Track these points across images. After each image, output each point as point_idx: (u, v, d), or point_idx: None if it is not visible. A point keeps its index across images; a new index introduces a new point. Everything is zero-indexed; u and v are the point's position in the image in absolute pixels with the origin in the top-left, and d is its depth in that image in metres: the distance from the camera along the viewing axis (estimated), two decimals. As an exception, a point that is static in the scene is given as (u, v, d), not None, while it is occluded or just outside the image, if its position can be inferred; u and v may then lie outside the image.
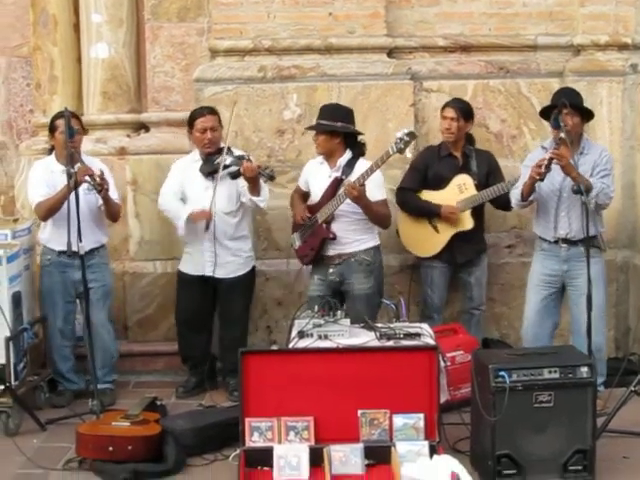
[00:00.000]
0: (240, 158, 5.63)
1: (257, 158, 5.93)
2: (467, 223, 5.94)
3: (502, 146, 6.48)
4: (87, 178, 5.34)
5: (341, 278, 5.71)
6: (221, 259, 5.81)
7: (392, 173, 6.06)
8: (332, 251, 5.68)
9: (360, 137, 5.76)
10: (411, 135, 5.35)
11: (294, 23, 6.38)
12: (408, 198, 6.01)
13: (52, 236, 5.73)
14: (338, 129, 5.62)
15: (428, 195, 5.98)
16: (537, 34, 6.53)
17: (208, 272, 5.83)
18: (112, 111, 6.65)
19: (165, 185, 5.96)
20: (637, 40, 6.37)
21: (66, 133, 5.42)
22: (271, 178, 5.62)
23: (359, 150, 5.73)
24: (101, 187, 5.39)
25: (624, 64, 6.43)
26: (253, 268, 6.03)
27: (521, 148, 6.28)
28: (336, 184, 5.60)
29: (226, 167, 5.65)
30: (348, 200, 5.44)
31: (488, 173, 6.03)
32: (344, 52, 6.41)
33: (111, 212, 5.78)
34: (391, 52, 6.48)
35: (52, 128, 5.74)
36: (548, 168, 5.18)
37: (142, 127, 6.77)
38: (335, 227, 5.62)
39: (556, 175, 5.31)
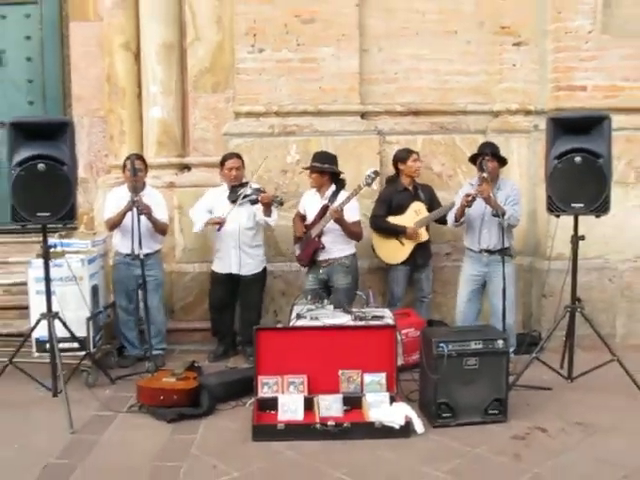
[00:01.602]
0: (258, 190, 5.70)
1: (268, 190, 5.94)
2: (424, 236, 5.99)
3: (442, 182, 6.49)
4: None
5: (328, 276, 5.75)
6: (243, 261, 5.82)
7: (366, 203, 6.06)
8: (322, 257, 5.73)
9: (342, 175, 5.80)
10: (376, 173, 5.55)
11: (294, 94, 6.39)
12: (381, 223, 6.00)
13: (121, 243, 5.75)
14: (326, 169, 5.70)
15: (394, 219, 5.98)
16: (467, 103, 6.55)
17: (234, 270, 5.84)
18: (164, 156, 6.65)
19: (198, 203, 5.98)
20: (538, 108, 6.40)
21: (131, 171, 5.50)
22: (281, 204, 5.71)
23: (341, 184, 5.78)
24: (141, 211, 5.43)
25: (529, 125, 6.45)
26: (265, 268, 6.02)
27: (456, 184, 6.29)
28: (325, 209, 5.64)
29: (247, 196, 5.68)
30: (333, 221, 5.54)
31: (431, 200, 6.09)
32: (330, 115, 6.41)
33: (156, 228, 5.76)
34: (363, 115, 6.50)
35: (123, 167, 5.78)
36: (474, 199, 5.30)
37: (186, 168, 6.77)
38: (324, 239, 5.67)
39: (481, 204, 5.39)
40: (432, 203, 6.07)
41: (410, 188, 6.06)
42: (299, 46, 6.35)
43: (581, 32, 6.15)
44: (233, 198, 5.77)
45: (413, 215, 5.98)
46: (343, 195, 5.63)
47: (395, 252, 6.01)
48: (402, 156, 6.06)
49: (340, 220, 5.53)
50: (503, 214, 5.30)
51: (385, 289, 6.28)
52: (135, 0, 6.59)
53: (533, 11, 6.40)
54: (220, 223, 5.75)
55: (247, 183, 5.82)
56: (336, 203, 5.57)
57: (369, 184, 5.55)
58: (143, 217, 5.48)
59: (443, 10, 6.47)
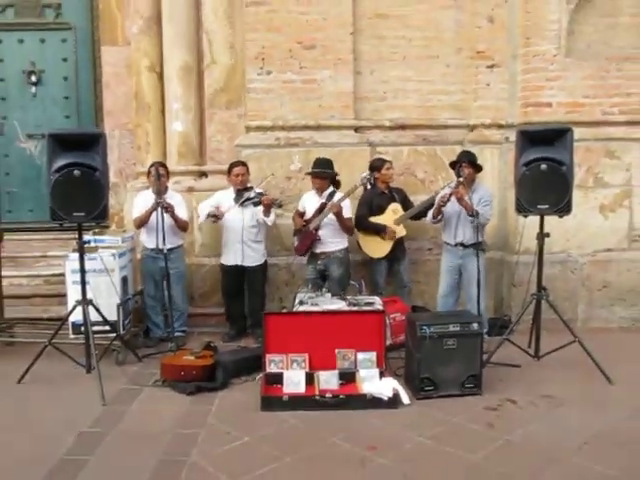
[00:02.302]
0: (260, 194, 5.71)
1: (274, 194, 5.94)
2: (403, 232, 5.97)
3: (425, 187, 6.46)
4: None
5: (324, 267, 5.78)
6: (247, 254, 5.84)
7: (353, 203, 6.03)
8: (319, 249, 5.76)
9: (337, 177, 5.84)
10: (371, 175, 5.67)
11: (297, 111, 6.37)
12: (364, 222, 5.96)
13: (147, 239, 5.76)
14: (326, 175, 5.76)
15: (375, 219, 5.96)
16: (447, 118, 6.53)
17: (239, 262, 5.85)
18: (184, 164, 6.61)
19: (207, 200, 5.97)
20: (509, 122, 6.37)
21: (155, 176, 5.52)
22: (280, 206, 5.77)
23: (336, 185, 5.82)
24: (166, 210, 5.46)
25: (500, 137, 6.43)
26: (266, 261, 6.02)
27: (437, 188, 6.24)
28: (322, 206, 5.69)
29: (250, 199, 5.70)
30: (329, 215, 5.59)
31: (404, 201, 6.08)
32: (328, 129, 6.39)
33: (178, 226, 5.78)
34: (357, 129, 6.48)
35: (148, 173, 5.76)
36: (448, 199, 5.40)
37: (203, 174, 6.74)
38: (320, 232, 5.70)
39: (457, 204, 5.41)
40: (406, 203, 6.07)
41: (386, 191, 6.05)
42: (301, 69, 6.33)
43: (547, 55, 6.12)
44: (238, 200, 5.76)
45: (391, 214, 5.96)
46: (337, 195, 5.69)
47: (378, 248, 5.97)
48: (377, 165, 6.03)
49: (339, 214, 5.57)
50: (477, 214, 5.34)
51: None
52: (158, 27, 6.58)
53: (505, 38, 6.38)
54: (217, 217, 5.78)
55: (251, 188, 5.81)
56: (336, 198, 5.64)
57: (364, 185, 5.64)
58: (166, 215, 5.47)
59: (426, 37, 6.45)
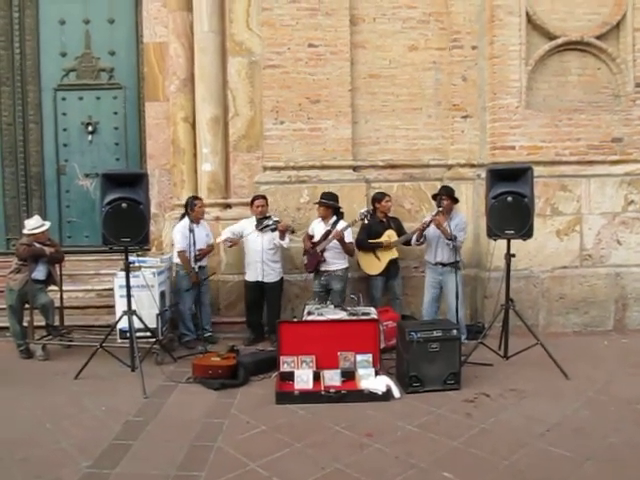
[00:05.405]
0: (276, 221, 5.73)
1: (285, 221, 5.94)
2: (396, 254, 5.95)
3: (411, 216, 6.45)
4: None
5: (327, 282, 5.76)
6: (266, 272, 5.81)
7: (354, 230, 6.01)
8: (323, 268, 5.74)
9: (341, 210, 5.86)
10: (368, 212, 5.67)
11: (306, 153, 6.40)
12: (363, 243, 5.94)
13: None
14: (330, 205, 5.75)
15: (373, 242, 5.95)
16: (429, 159, 6.54)
17: (260, 279, 5.83)
18: (212, 197, 6.61)
19: (232, 226, 5.99)
20: (480, 162, 6.39)
21: (187, 210, 5.58)
22: (293, 232, 5.80)
23: (340, 216, 5.82)
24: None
25: (473, 174, 6.45)
26: (282, 278, 6.00)
27: (421, 217, 6.23)
28: (327, 233, 5.69)
29: (268, 226, 5.72)
30: (334, 241, 5.58)
31: (399, 228, 6.04)
32: (331, 168, 6.40)
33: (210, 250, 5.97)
34: (355, 168, 6.49)
35: (192, 205, 5.82)
36: (428, 225, 5.46)
37: (228, 206, 6.75)
38: (325, 254, 5.69)
39: (437, 229, 5.44)
40: (400, 230, 6.04)
41: (384, 220, 6.04)
42: (309, 119, 6.37)
43: (511, 107, 6.15)
44: (259, 227, 5.78)
45: (386, 239, 5.94)
46: (342, 224, 5.69)
47: (374, 266, 5.95)
48: (378, 197, 6.04)
49: (341, 240, 5.57)
50: (454, 237, 5.33)
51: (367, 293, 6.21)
52: (192, 86, 6.65)
53: (476, 93, 6.44)
54: (233, 242, 5.87)
55: (270, 216, 5.83)
56: (339, 227, 5.65)
57: (362, 219, 5.66)
58: (201, 243, 5.71)
59: (411, 93, 6.50)
